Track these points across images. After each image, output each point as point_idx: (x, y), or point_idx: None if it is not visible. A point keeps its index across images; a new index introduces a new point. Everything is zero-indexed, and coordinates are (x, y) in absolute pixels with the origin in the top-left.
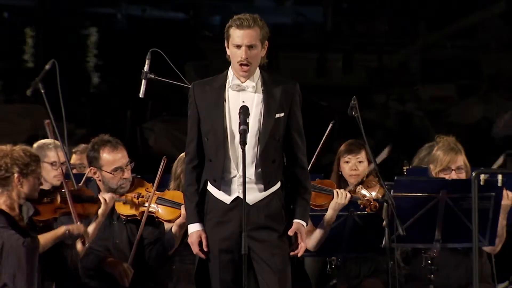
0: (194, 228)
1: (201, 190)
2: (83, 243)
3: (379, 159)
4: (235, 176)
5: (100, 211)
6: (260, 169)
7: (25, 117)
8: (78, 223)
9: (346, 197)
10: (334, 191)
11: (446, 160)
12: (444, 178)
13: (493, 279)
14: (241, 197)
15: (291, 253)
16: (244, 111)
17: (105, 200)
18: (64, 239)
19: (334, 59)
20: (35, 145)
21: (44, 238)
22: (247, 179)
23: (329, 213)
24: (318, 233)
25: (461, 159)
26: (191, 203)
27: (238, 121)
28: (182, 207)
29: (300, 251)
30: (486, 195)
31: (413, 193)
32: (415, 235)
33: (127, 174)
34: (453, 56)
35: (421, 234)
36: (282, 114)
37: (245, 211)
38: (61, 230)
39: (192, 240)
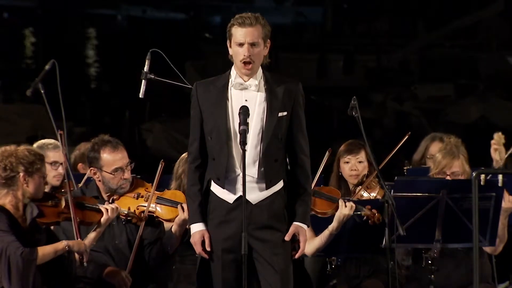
0: (197, 228)
1: (204, 189)
2: (81, 261)
3: None
4: (238, 175)
5: (102, 220)
6: (262, 168)
7: (25, 117)
8: (79, 239)
9: (351, 208)
10: (340, 202)
11: (442, 164)
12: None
13: (493, 279)
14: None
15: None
16: (244, 111)
17: (107, 210)
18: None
19: (335, 60)
20: (35, 145)
21: (44, 251)
22: (250, 178)
23: (334, 225)
24: (318, 241)
25: (457, 165)
26: (194, 203)
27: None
28: (179, 206)
29: (297, 254)
30: (486, 195)
31: (413, 193)
32: (415, 235)
33: (127, 175)
34: (451, 55)
35: (421, 234)
36: (285, 113)
37: (248, 210)
38: (61, 244)
39: (195, 240)
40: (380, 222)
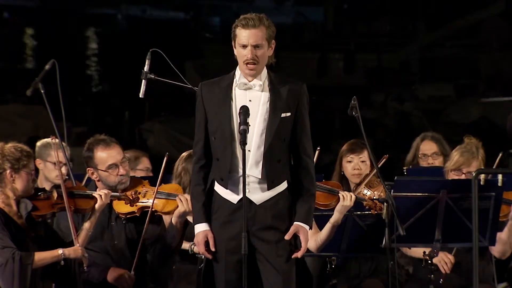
0: (200, 228)
1: (208, 189)
2: (81, 265)
3: None
4: (241, 175)
5: (96, 206)
6: (265, 169)
7: (26, 118)
8: (78, 244)
9: (351, 199)
10: (340, 194)
11: (459, 162)
12: (446, 178)
13: (493, 279)
14: (247, 197)
15: (292, 256)
16: (244, 111)
17: (100, 196)
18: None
19: (335, 59)
20: (38, 143)
21: (40, 256)
22: (254, 179)
23: (335, 216)
24: (322, 235)
25: (475, 165)
26: (198, 203)
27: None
28: (177, 198)
29: (299, 254)
30: (486, 195)
31: (413, 193)
32: (415, 235)
33: (123, 170)
34: (451, 55)
35: (421, 234)
36: (289, 114)
37: (252, 211)
38: (57, 252)
39: (199, 240)
40: (382, 211)
